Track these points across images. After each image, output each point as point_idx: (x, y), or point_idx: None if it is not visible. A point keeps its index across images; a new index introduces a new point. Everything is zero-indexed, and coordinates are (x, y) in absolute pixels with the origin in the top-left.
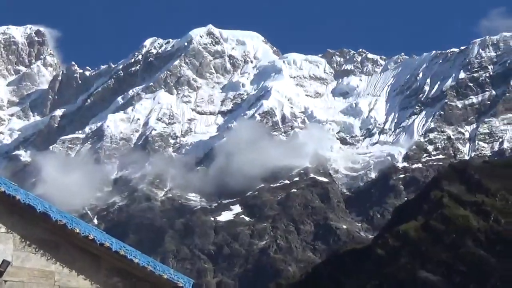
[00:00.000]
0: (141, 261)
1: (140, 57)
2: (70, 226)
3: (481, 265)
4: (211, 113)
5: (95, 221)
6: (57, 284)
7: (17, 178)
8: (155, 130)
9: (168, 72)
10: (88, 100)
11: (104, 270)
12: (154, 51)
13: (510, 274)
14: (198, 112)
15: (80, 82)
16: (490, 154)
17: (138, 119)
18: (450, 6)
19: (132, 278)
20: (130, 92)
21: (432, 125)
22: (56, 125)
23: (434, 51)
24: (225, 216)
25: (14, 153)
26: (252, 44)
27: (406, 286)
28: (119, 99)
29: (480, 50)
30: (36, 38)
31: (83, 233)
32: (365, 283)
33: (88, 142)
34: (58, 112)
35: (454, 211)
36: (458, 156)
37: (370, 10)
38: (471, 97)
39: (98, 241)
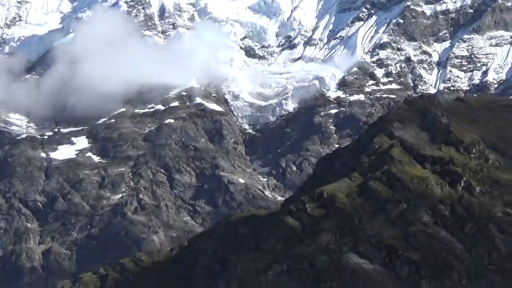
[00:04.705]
0: None
1: None
2: None
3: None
4: None
5: None
6: None
7: None
8: None
9: None
10: None
11: None
12: None
13: (482, 267)
14: None
15: None
16: (468, 87)
17: None
18: None
19: None
20: None
21: (385, 38)
22: None
23: None
24: (64, 153)
25: None
26: None
27: (326, 274)
28: None
29: None
30: None
31: None
32: (262, 265)
33: None
34: None
35: (408, 169)
36: (419, 87)
37: None
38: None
39: None
